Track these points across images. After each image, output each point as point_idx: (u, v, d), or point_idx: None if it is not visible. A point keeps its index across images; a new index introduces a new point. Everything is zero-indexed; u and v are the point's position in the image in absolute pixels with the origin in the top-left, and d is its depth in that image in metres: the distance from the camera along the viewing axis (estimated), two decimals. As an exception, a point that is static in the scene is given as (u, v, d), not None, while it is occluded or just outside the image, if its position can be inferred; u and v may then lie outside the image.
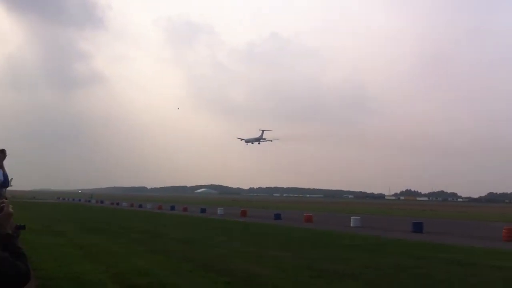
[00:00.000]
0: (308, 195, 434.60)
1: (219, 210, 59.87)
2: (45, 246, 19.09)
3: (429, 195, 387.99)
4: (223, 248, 21.15)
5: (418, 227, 33.59)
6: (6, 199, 3.17)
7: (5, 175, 7.32)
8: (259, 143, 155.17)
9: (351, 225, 38.25)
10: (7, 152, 7.58)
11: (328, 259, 18.20)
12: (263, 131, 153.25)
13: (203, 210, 63.06)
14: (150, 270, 14.85)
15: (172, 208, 72.27)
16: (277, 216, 47.69)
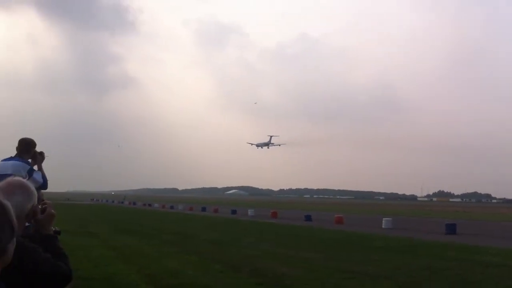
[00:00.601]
0: (338, 197, 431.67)
1: (250, 211, 59.94)
2: (79, 247, 19.46)
3: (463, 196, 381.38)
4: (254, 249, 21.22)
5: (451, 229, 33.03)
6: (43, 201, 3.29)
7: (44, 177, 7.48)
8: (268, 147, 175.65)
9: (383, 226, 37.84)
10: (46, 154, 7.74)
11: (359, 261, 18.08)
12: (271, 136, 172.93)
13: (233, 211, 63.23)
14: (182, 271, 15.02)
15: (203, 209, 72.70)
16: (308, 218, 47.52)
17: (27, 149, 7.43)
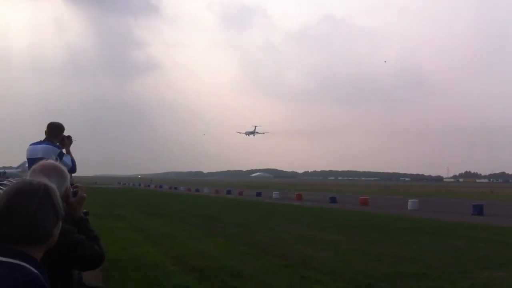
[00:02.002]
0: (363, 178, 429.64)
1: (275, 194, 60.08)
2: (107, 229, 19.79)
3: (490, 176, 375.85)
4: (279, 232, 21.32)
5: (478, 210, 32.66)
6: (74, 184, 3.36)
7: (73, 161, 7.60)
8: (254, 136, 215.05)
9: (409, 208, 37.57)
10: (73, 138, 7.85)
11: (385, 243, 18.05)
12: (255, 126, 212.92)
13: (258, 194, 63.47)
14: (208, 253, 15.19)
15: (228, 192, 73.11)
16: (333, 200, 47.47)
17: (56, 133, 7.55)
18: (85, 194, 3.22)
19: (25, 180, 2.12)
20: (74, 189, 3.20)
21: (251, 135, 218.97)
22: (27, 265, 1.89)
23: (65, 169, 3.16)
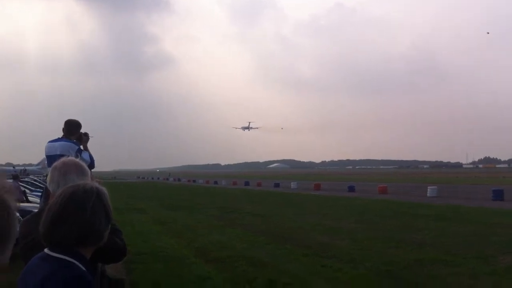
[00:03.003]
0: (381, 167, 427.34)
1: (293, 184, 60.13)
2: (128, 223, 20.05)
3: (510, 161, 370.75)
4: (298, 221, 21.41)
5: (498, 195, 32.41)
6: (94, 179, 3.46)
7: (91, 157, 7.74)
8: (249, 130, 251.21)
9: (428, 195, 37.41)
10: (90, 135, 7.97)
11: (405, 230, 18.04)
12: (249, 122, 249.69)
13: (276, 185, 63.56)
14: (229, 244, 15.35)
15: (247, 183, 73.29)
16: (351, 188, 47.39)
17: (73, 130, 7.68)
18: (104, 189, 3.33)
19: (78, 184, 2.26)
20: None
21: (246, 130, 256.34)
22: (78, 263, 2.05)
23: (85, 165, 3.26)
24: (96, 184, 2.30)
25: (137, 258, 12.63)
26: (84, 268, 2.06)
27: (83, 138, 7.84)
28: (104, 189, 2.29)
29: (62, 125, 7.69)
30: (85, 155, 7.48)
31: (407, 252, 13.40)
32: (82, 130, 7.84)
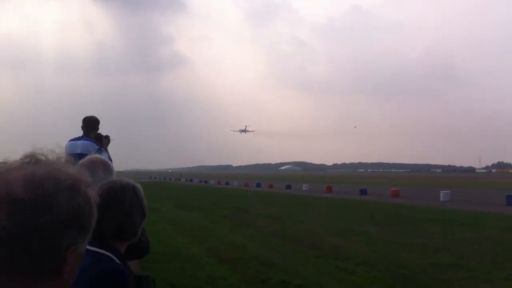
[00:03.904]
0: (393, 170, 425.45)
1: (304, 186, 60.00)
2: (142, 222, 20.14)
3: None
4: (310, 223, 21.41)
5: (512, 200, 32.11)
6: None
7: (110, 159, 7.83)
8: (245, 133, 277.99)
9: (441, 199, 37.17)
10: (111, 138, 8.06)
11: (417, 234, 17.97)
12: (246, 126, 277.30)
13: (288, 187, 63.47)
14: (242, 244, 15.42)
15: (258, 185, 73.27)
16: (363, 191, 47.19)
17: (92, 127, 7.78)
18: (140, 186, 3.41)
19: (115, 180, 2.35)
20: None
21: (243, 133, 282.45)
22: (114, 257, 2.13)
23: (111, 163, 3.34)
24: (132, 181, 2.39)
25: (151, 257, 12.71)
26: (120, 262, 2.14)
27: (104, 141, 7.93)
28: (139, 186, 2.38)
29: (76, 124, 7.79)
30: (105, 155, 7.59)
31: (422, 256, 13.36)
32: (102, 133, 7.93)
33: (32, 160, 1.22)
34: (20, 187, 1.16)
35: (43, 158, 1.23)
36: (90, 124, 7.76)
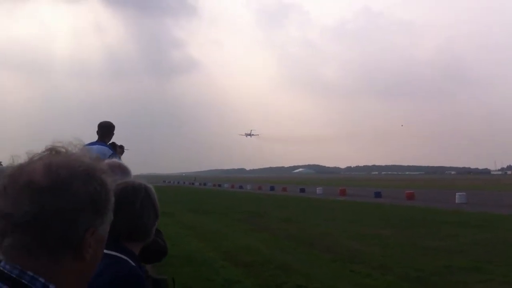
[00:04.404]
0: (407, 173, 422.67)
1: (318, 189, 59.85)
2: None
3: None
4: (325, 227, 21.36)
5: (529, 203, 31.76)
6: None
7: (123, 164, 7.88)
8: (251, 137, 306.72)
9: (456, 201, 36.90)
10: (125, 148, 8.13)
11: (433, 236, 17.86)
12: (251, 130, 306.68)
13: (302, 190, 63.37)
14: (256, 248, 15.42)
15: (272, 188, 73.22)
16: (377, 194, 46.96)
17: (107, 132, 7.86)
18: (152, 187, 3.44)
19: (127, 181, 2.37)
20: None
21: (249, 136, 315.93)
22: (129, 259, 2.15)
23: (128, 167, 3.38)
24: (144, 182, 2.41)
25: (166, 260, 12.73)
26: (134, 264, 2.16)
27: (118, 150, 8.01)
28: (151, 187, 2.39)
29: (91, 129, 7.87)
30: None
31: (437, 259, 13.28)
32: (117, 141, 8.00)
33: (52, 152, 1.35)
34: (40, 175, 1.28)
35: (63, 150, 1.36)
36: (105, 129, 7.85)
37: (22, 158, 1.33)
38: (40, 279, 1.26)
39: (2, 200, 1.27)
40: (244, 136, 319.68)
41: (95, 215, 1.33)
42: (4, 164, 1.42)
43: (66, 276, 1.30)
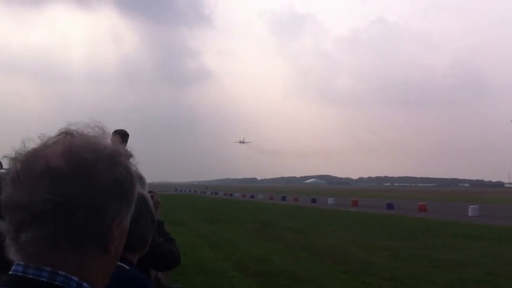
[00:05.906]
0: (420, 184, 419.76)
1: (330, 200, 59.62)
2: (168, 235, 20.26)
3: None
4: (337, 237, 21.30)
5: (543, 216, 31.40)
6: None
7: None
8: (244, 144, 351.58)
9: (469, 214, 36.59)
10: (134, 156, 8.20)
11: (445, 249, 17.74)
12: (244, 138, 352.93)
13: (313, 200, 63.15)
14: (268, 258, 15.42)
15: (283, 198, 73.06)
16: (390, 206, 46.66)
17: (122, 140, 7.93)
18: (160, 199, 3.48)
19: None
20: (150, 194, 3.49)
21: (242, 144, 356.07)
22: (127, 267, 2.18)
23: (143, 176, 3.44)
24: (141, 190, 2.44)
25: (179, 270, 12.81)
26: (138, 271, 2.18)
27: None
28: (148, 195, 2.43)
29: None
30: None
31: (450, 272, 13.20)
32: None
33: (67, 135, 1.20)
34: (59, 159, 1.14)
35: (78, 133, 1.21)
36: (120, 137, 7.93)
37: (35, 143, 1.19)
38: (74, 278, 1.14)
39: (15, 189, 1.13)
40: (238, 143, 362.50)
41: (120, 204, 1.20)
42: (5, 164, 1.25)
43: (96, 271, 1.19)
